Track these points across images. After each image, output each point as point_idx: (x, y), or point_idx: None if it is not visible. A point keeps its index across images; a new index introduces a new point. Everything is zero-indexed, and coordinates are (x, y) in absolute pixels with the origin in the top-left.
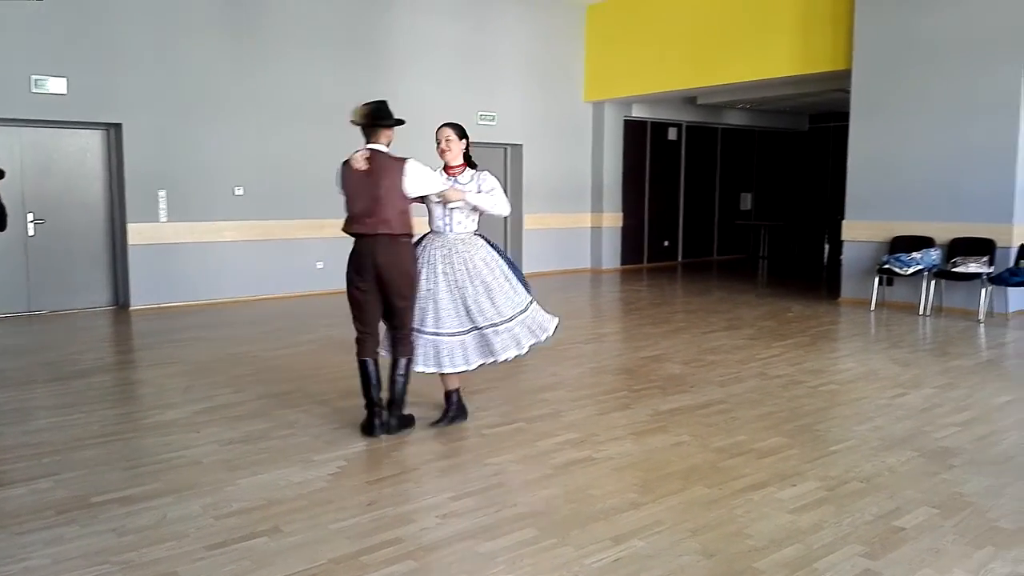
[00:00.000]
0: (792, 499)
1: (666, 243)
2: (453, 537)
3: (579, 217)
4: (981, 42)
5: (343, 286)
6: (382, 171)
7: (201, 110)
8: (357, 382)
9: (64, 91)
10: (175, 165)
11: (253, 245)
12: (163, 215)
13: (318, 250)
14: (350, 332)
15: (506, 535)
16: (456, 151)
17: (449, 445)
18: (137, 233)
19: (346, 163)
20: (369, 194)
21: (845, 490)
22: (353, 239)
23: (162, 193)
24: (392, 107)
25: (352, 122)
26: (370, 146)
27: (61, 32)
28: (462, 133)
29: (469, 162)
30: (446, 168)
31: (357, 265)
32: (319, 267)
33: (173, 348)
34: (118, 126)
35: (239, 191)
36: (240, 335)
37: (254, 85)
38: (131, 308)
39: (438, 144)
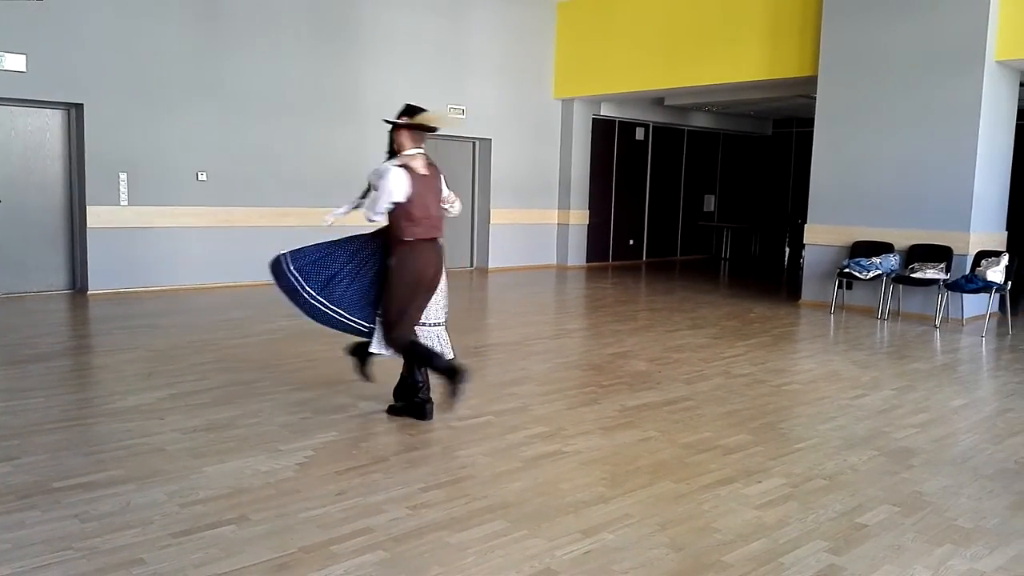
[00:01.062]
0: (758, 495)
1: (631, 242)
2: (424, 528)
3: (546, 213)
4: (942, 53)
5: None
6: (436, 176)
7: (166, 93)
8: (322, 371)
9: (23, 68)
10: (137, 148)
11: (215, 232)
12: (124, 198)
13: (281, 239)
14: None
15: (476, 526)
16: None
17: (418, 437)
18: (96, 216)
19: (406, 167)
20: (435, 199)
21: (809, 487)
22: (412, 243)
23: (123, 176)
24: (362, 98)
25: (413, 124)
26: (419, 150)
27: (21, 7)
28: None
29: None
30: None
31: (431, 266)
32: None
33: (133, 334)
34: (79, 106)
35: (202, 176)
36: (201, 323)
37: (221, 70)
38: (89, 292)
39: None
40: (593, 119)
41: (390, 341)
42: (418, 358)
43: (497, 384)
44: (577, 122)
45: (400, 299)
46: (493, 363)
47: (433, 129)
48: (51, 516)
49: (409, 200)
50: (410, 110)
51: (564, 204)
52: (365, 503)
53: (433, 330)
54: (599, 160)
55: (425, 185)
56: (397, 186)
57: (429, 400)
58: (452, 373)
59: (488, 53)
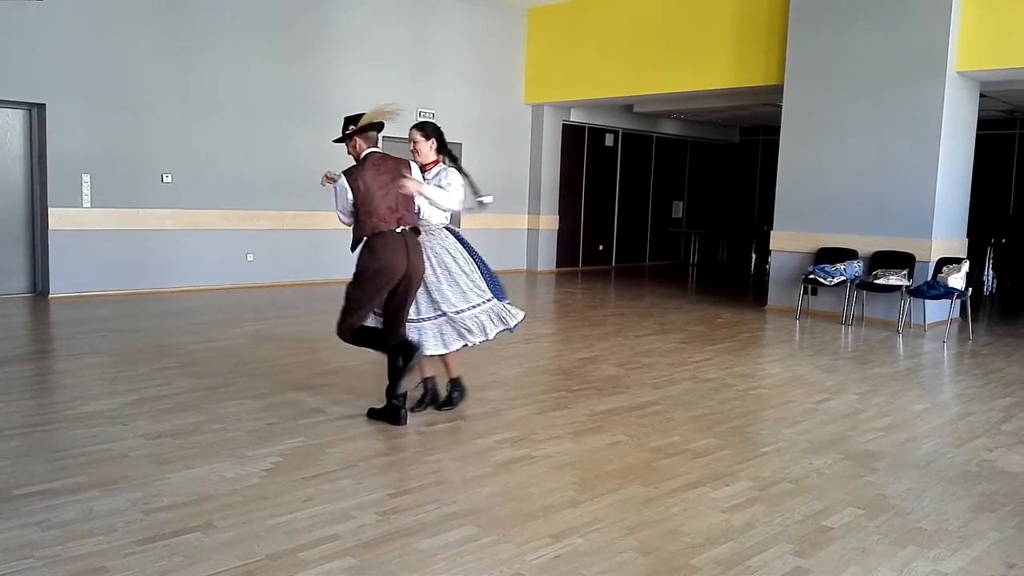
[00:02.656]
0: (725, 498)
1: (601, 247)
2: (392, 534)
3: (516, 218)
4: (905, 64)
5: (273, 279)
6: (398, 168)
7: (130, 94)
8: (289, 376)
9: None
10: (101, 149)
11: (181, 234)
12: (87, 200)
13: (249, 242)
14: (280, 326)
15: (446, 532)
16: (424, 151)
17: (387, 442)
18: (59, 218)
19: (352, 171)
20: (393, 192)
21: (775, 490)
22: (371, 238)
23: (86, 177)
24: (329, 102)
25: (363, 128)
26: (375, 149)
27: None
28: (428, 133)
29: (450, 156)
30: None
31: (394, 259)
32: (249, 259)
33: (96, 338)
34: (41, 106)
35: (167, 178)
36: (166, 326)
37: (187, 71)
38: (50, 296)
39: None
40: (563, 125)
41: (341, 332)
42: (366, 343)
43: (467, 389)
44: (547, 128)
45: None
46: (463, 368)
47: (379, 126)
48: (11, 524)
49: (364, 197)
50: (352, 119)
51: (534, 209)
52: (333, 509)
53: (424, 324)
54: (569, 166)
55: (377, 179)
56: (343, 191)
57: (404, 406)
58: (400, 351)
59: (459, 58)
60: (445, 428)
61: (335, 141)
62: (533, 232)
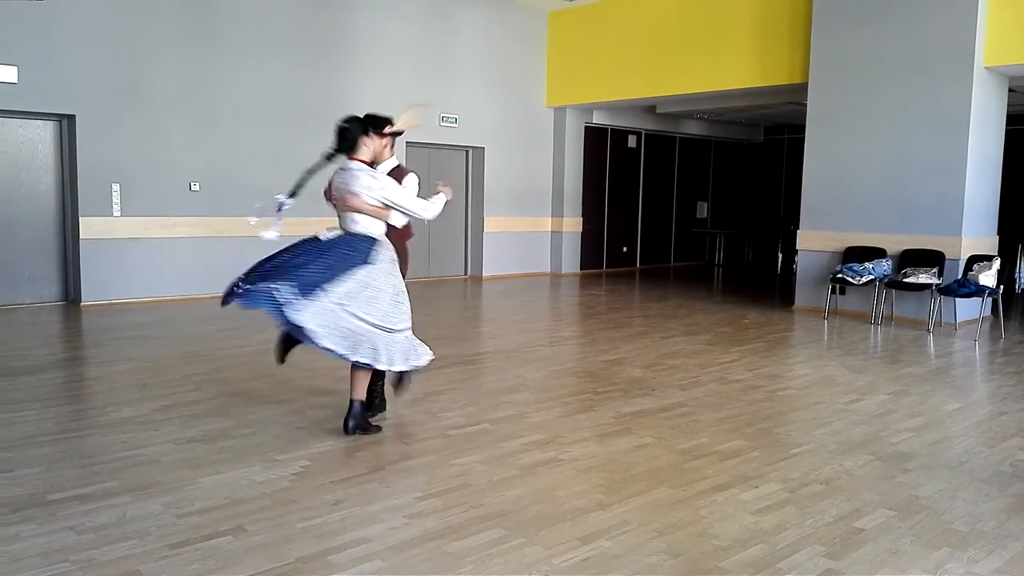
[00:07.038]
0: (755, 500)
1: (625, 249)
2: (421, 537)
3: (540, 221)
4: (932, 60)
5: None
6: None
7: (158, 103)
8: (317, 381)
9: (14, 80)
10: (130, 159)
11: (209, 242)
12: (116, 209)
13: (275, 249)
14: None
15: (474, 535)
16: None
17: (413, 446)
18: (89, 227)
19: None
20: None
21: (806, 492)
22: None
23: (116, 187)
24: (353, 106)
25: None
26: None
27: (10, 19)
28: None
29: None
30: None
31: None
32: None
33: (126, 345)
34: (71, 117)
35: (195, 187)
36: (195, 333)
37: (213, 80)
38: (82, 304)
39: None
40: (585, 127)
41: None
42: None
43: (493, 392)
44: (570, 130)
45: None
46: (489, 371)
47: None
48: (47, 529)
49: None
50: (383, 121)
51: (558, 212)
52: (362, 512)
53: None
54: (592, 168)
55: None
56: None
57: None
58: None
59: (480, 62)
60: (471, 432)
61: (391, 134)
62: (557, 235)
